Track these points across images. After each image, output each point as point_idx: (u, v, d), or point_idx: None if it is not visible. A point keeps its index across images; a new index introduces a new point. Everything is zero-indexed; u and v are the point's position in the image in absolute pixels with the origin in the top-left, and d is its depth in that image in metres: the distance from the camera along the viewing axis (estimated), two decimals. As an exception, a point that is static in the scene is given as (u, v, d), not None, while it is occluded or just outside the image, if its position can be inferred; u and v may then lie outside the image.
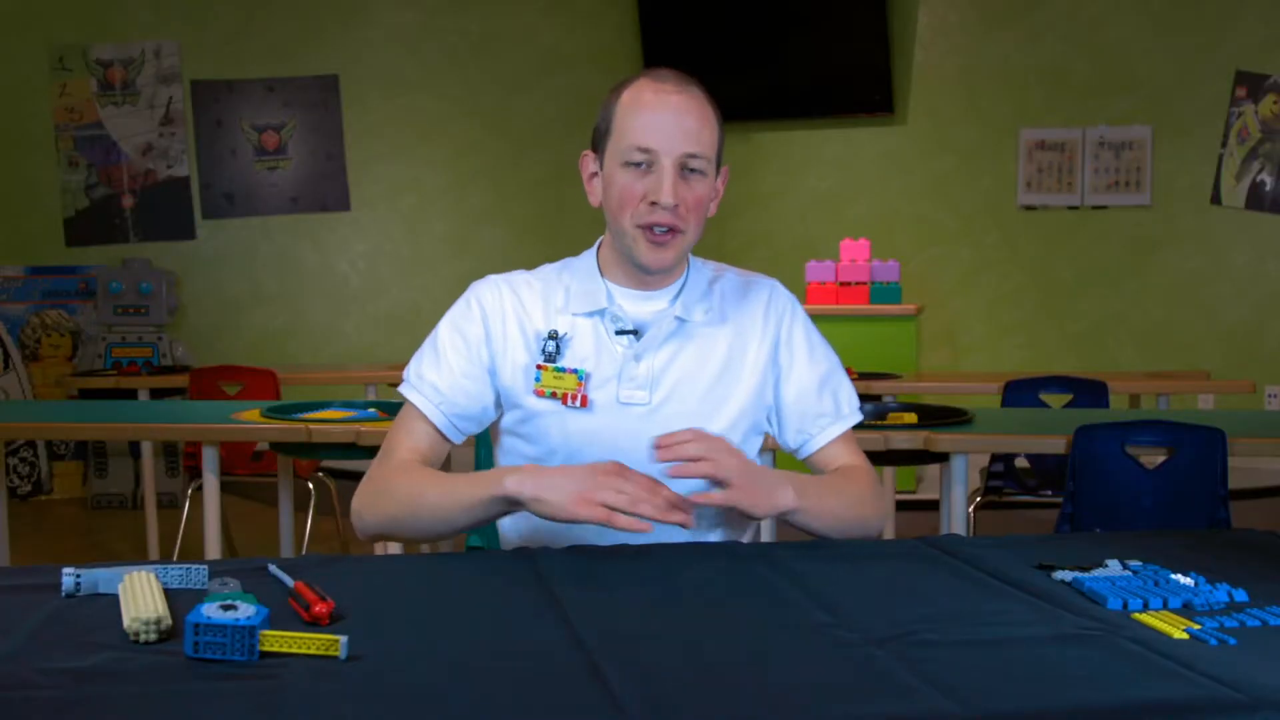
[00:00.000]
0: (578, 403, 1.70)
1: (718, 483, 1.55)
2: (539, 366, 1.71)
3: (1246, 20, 6.00)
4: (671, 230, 1.66)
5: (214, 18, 6.53)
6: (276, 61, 6.59)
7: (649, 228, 1.66)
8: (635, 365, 1.71)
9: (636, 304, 1.75)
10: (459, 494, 1.57)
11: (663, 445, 1.54)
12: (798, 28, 6.46)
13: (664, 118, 1.65)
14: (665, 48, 6.36)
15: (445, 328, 1.77)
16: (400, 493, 1.63)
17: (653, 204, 1.65)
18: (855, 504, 1.71)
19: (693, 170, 1.66)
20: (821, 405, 1.80)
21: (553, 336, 1.72)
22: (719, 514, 1.75)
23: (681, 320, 1.74)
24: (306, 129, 6.64)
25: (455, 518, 1.58)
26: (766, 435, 1.85)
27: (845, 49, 6.41)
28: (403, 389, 1.76)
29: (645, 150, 1.64)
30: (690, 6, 6.57)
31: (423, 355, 1.77)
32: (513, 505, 1.53)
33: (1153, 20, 6.13)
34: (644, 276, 1.74)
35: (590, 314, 1.74)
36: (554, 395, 1.70)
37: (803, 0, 6.45)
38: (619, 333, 1.73)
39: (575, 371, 1.70)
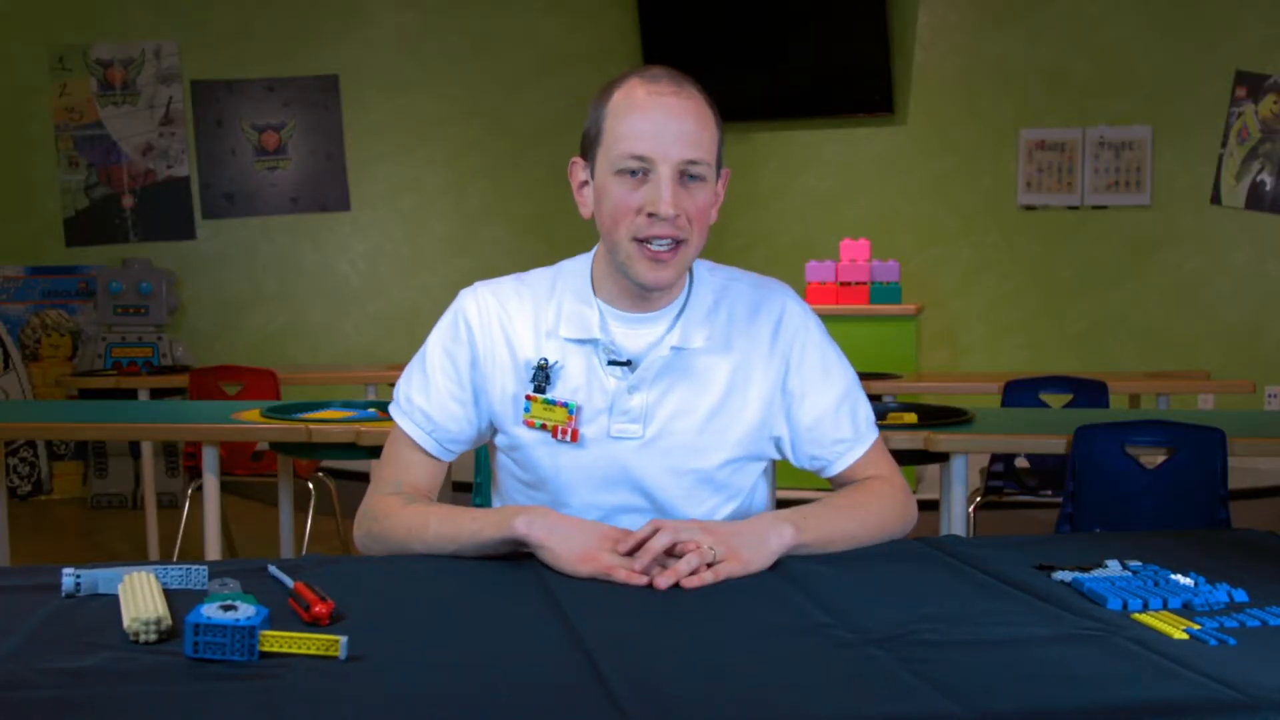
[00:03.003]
0: (568, 437, 1.62)
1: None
2: (528, 397, 1.63)
3: (1246, 20, 6.00)
4: (674, 243, 1.55)
5: (214, 18, 6.53)
6: (276, 61, 6.59)
7: (646, 242, 1.55)
8: (628, 398, 1.62)
9: (631, 330, 1.65)
10: (463, 530, 1.52)
11: (639, 551, 1.42)
12: (798, 28, 6.46)
13: (659, 121, 1.53)
14: (665, 48, 6.36)
15: (434, 348, 1.69)
16: (401, 529, 1.58)
17: (650, 216, 1.53)
18: (872, 517, 1.62)
19: (693, 177, 1.55)
20: (839, 429, 1.70)
21: (542, 367, 1.63)
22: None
23: (678, 349, 1.64)
24: (306, 129, 6.64)
25: (459, 552, 1.52)
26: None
27: (845, 49, 6.41)
28: (393, 411, 1.71)
29: (640, 158, 1.53)
30: (690, 6, 6.57)
31: (411, 376, 1.71)
32: (520, 545, 1.48)
33: (1153, 20, 6.13)
34: (640, 296, 1.63)
35: (582, 342, 1.64)
36: (543, 427, 1.63)
37: (803, 0, 6.46)
38: (611, 363, 1.63)
39: (565, 405, 1.62)
